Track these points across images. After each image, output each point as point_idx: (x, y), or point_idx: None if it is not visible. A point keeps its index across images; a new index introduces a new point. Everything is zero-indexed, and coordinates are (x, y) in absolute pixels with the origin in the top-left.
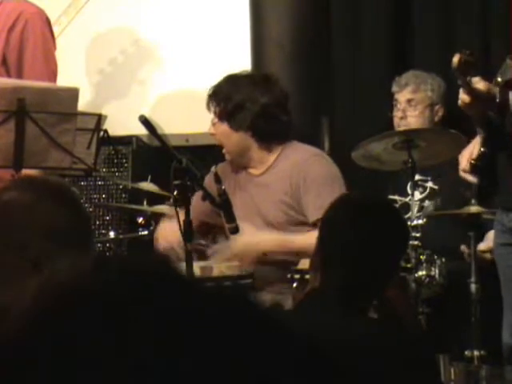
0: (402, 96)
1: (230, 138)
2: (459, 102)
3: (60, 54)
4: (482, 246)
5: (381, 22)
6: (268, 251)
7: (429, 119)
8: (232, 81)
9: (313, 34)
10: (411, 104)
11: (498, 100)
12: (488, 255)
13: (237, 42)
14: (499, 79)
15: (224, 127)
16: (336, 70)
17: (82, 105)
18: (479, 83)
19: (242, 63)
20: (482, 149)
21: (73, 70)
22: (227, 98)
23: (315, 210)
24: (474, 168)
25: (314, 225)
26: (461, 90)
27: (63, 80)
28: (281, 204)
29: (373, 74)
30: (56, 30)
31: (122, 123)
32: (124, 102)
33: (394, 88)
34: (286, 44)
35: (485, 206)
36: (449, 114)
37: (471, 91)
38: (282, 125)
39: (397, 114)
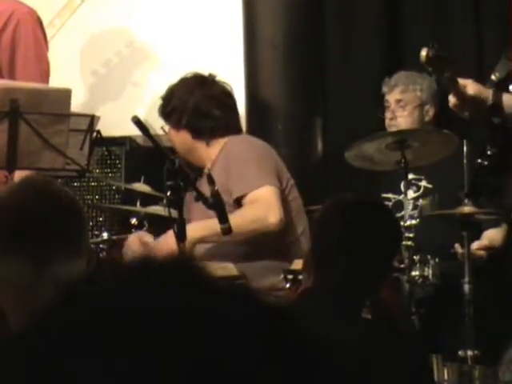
0: (392, 97)
1: (175, 140)
2: (449, 103)
3: (54, 56)
4: (475, 245)
5: (374, 22)
6: (197, 238)
7: (418, 119)
8: (169, 88)
9: (306, 33)
10: (400, 105)
11: (491, 101)
12: (481, 253)
13: (230, 42)
14: (493, 77)
15: (169, 131)
16: (329, 70)
17: (77, 106)
18: (471, 85)
19: (236, 64)
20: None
21: (67, 72)
22: (166, 104)
23: (236, 189)
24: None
25: (235, 202)
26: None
27: (58, 81)
28: (223, 194)
29: (366, 74)
30: (50, 31)
31: (117, 124)
32: (119, 104)
33: (384, 89)
34: (279, 44)
35: (477, 205)
36: (441, 113)
37: (456, 91)
38: (217, 120)
39: (387, 115)
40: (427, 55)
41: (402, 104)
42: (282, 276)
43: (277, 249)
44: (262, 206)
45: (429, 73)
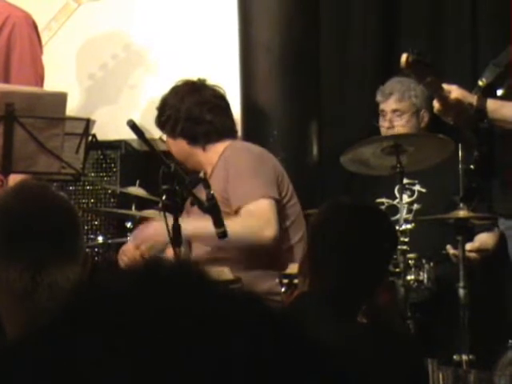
0: (388, 106)
1: (172, 148)
2: (434, 108)
3: (51, 59)
4: (468, 246)
5: (370, 26)
6: (189, 232)
7: (415, 126)
8: (162, 98)
9: (301, 38)
10: (397, 114)
11: (474, 107)
12: (474, 255)
13: (226, 46)
14: (480, 83)
15: (167, 140)
16: (325, 74)
17: (73, 110)
18: (455, 91)
19: (231, 68)
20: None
21: (63, 75)
22: (160, 114)
23: (235, 199)
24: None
25: (235, 213)
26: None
27: (54, 85)
28: (221, 203)
29: (362, 78)
30: (46, 35)
31: (114, 128)
32: (115, 107)
33: (379, 98)
34: (274, 48)
35: (470, 207)
36: (434, 117)
37: (440, 96)
38: (210, 124)
39: (383, 124)
40: (407, 60)
41: (399, 113)
42: (278, 280)
43: (271, 257)
44: (258, 219)
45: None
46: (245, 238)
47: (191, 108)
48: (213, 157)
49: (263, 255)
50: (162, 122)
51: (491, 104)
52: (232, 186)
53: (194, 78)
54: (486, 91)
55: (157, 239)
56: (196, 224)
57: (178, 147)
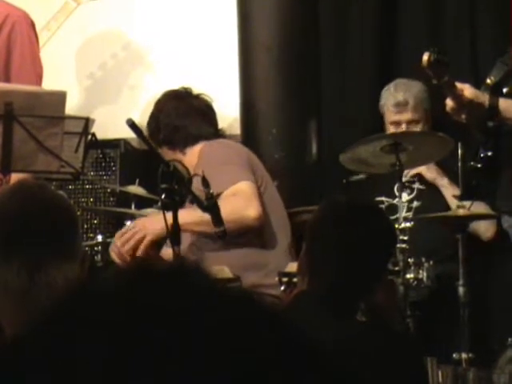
0: (404, 117)
1: (164, 156)
2: (447, 107)
3: (50, 59)
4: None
5: (368, 25)
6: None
7: (428, 129)
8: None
9: (300, 36)
10: (413, 123)
11: (487, 105)
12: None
13: (225, 46)
14: (489, 81)
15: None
16: (324, 73)
17: (73, 109)
18: (468, 90)
19: (231, 67)
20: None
21: (63, 75)
22: (147, 126)
23: (214, 187)
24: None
25: None
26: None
27: (53, 84)
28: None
29: (362, 77)
30: (46, 34)
31: (113, 128)
32: (115, 107)
33: (393, 109)
34: (274, 48)
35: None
36: (434, 116)
37: (454, 95)
38: (185, 129)
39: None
40: (429, 59)
41: (415, 122)
42: (277, 279)
43: (253, 237)
44: (240, 199)
45: (428, 77)
46: (230, 220)
47: (167, 116)
48: (192, 159)
49: (244, 236)
50: (149, 134)
51: (502, 103)
52: (208, 177)
53: (186, 84)
54: (494, 89)
55: (154, 228)
56: (186, 213)
57: (166, 155)
